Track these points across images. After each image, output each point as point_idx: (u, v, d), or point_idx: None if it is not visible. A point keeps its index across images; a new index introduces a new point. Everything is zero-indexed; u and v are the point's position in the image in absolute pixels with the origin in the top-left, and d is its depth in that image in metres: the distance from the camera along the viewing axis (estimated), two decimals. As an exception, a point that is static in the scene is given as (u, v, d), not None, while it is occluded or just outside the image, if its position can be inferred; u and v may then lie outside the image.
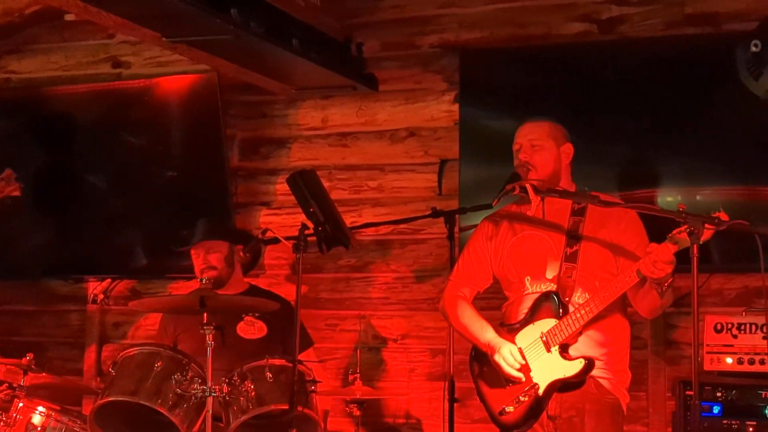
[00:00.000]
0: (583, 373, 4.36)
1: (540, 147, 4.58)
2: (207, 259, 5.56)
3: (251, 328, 5.49)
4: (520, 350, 4.43)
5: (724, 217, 4.02)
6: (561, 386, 4.38)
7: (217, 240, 5.61)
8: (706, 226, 3.99)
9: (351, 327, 6.13)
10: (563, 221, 4.56)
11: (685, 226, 3.99)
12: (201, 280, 4.97)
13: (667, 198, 5.61)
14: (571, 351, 4.40)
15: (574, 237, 4.50)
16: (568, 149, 4.64)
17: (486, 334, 4.55)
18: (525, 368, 4.41)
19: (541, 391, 4.39)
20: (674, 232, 4.06)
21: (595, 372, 4.39)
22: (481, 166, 5.91)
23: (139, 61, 6.77)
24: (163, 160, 6.54)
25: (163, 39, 5.25)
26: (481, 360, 4.61)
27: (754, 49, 3.18)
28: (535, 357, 4.42)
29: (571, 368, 4.36)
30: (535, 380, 4.41)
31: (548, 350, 4.41)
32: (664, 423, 5.50)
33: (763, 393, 4.77)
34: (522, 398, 4.42)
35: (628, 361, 4.59)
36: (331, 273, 6.29)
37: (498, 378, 4.51)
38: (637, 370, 5.57)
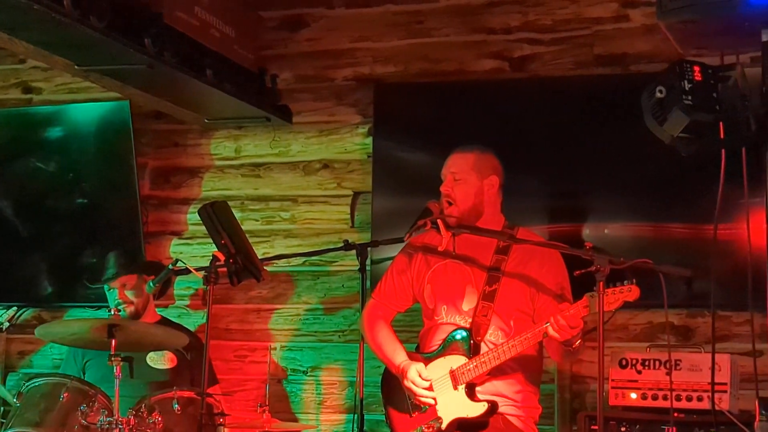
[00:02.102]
0: (485, 416, 4.42)
1: (462, 180, 4.62)
2: (123, 294, 5.53)
3: (161, 359, 5.46)
4: (431, 384, 4.48)
5: (635, 291, 4.12)
6: (463, 425, 4.43)
7: (132, 274, 5.58)
8: (617, 290, 4.11)
9: (261, 358, 6.10)
10: (486, 258, 4.61)
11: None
12: (111, 311, 4.93)
13: (576, 232, 5.68)
14: (480, 389, 4.45)
15: (495, 275, 4.57)
16: (493, 181, 4.68)
17: (398, 357, 4.61)
18: (432, 389, 4.46)
19: (443, 426, 4.45)
20: (586, 295, 4.17)
21: (504, 409, 4.46)
22: (394, 199, 5.95)
23: (51, 87, 6.69)
24: (73, 187, 6.47)
25: (76, 67, 5.21)
26: (391, 384, 4.66)
27: (658, 95, 3.24)
28: (442, 391, 4.47)
29: (474, 409, 4.43)
30: (439, 413, 4.46)
31: (455, 387, 4.46)
32: (570, 456, 5.57)
33: (667, 428, 4.82)
34: (425, 429, 4.46)
35: (539, 396, 4.66)
36: (242, 304, 6.26)
37: (405, 405, 4.58)
38: (544, 403, 5.61)
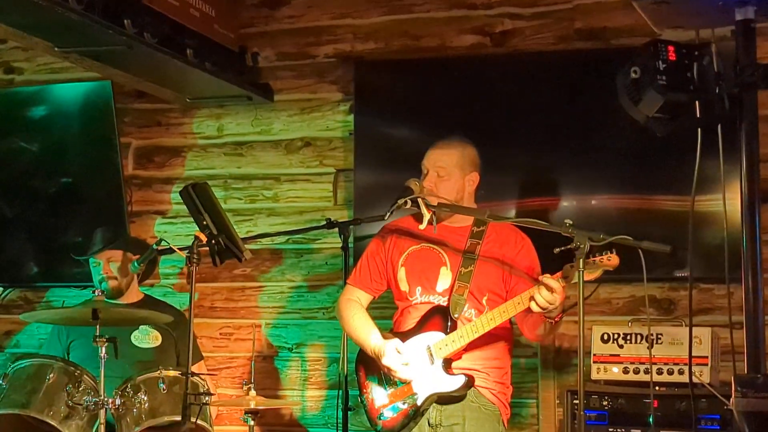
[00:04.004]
0: (462, 389, 4.46)
1: (445, 177, 4.65)
2: (108, 268, 5.54)
3: (146, 338, 5.48)
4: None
5: (615, 259, 4.15)
6: (440, 399, 4.47)
7: (118, 249, 5.59)
8: (597, 260, 4.14)
9: (246, 336, 6.12)
10: (461, 243, 4.66)
11: (575, 264, 4.13)
12: (95, 292, 4.94)
13: (563, 204, 5.73)
14: (454, 365, 4.49)
15: (469, 258, 4.61)
16: (474, 178, 4.71)
17: (372, 338, 4.61)
18: (410, 369, 4.49)
19: (419, 402, 4.48)
20: (566, 266, 4.20)
21: (478, 383, 4.51)
22: (375, 176, 5.97)
23: (32, 67, 6.67)
24: (57, 166, 6.47)
25: (56, 49, 5.20)
26: (366, 363, 4.68)
27: (633, 75, 3.25)
28: (418, 368, 4.50)
29: (451, 383, 4.46)
30: (415, 390, 4.49)
31: (432, 362, 4.49)
32: (554, 430, 5.60)
33: (648, 401, 4.88)
34: (401, 406, 4.51)
35: (510, 377, 4.70)
36: (226, 282, 6.28)
37: (380, 381, 4.61)
38: (527, 377, 5.71)
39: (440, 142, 4.76)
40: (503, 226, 4.69)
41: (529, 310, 4.37)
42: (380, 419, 4.58)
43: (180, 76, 5.73)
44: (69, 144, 6.47)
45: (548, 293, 4.21)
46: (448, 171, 4.66)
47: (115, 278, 5.53)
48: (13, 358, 5.14)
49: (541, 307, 4.26)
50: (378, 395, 4.61)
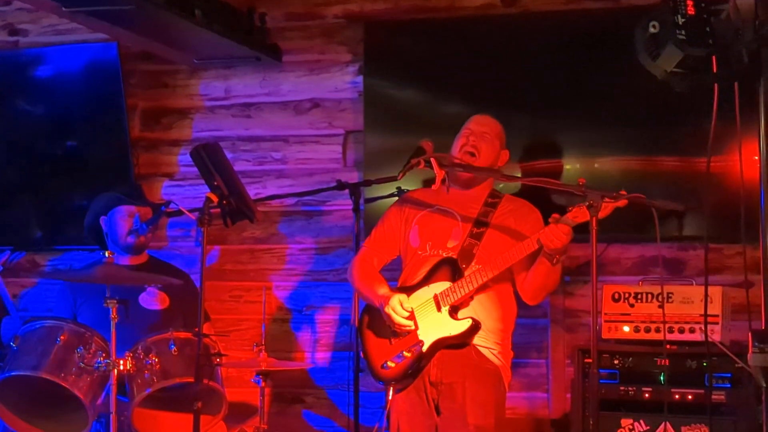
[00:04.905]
0: (468, 333, 4.52)
1: (489, 140, 4.80)
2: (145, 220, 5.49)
3: (154, 299, 5.47)
4: (412, 312, 4.55)
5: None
6: (445, 345, 4.53)
7: (149, 208, 5.58)
8: (606, 200, 4.15)
9: (255, 298, 6.11)
10: (474, 211, 4.75)
11: (576, 208, 4.16)
12: (106, 254, 4.92)
13: (567, 167, 5.71)
14: (460, 314, 4.54)
15: (482, 223, 4.71)
16: (505, 155, 4.89)
17: (381, 289, 4.70)
18: (412, 317, 4.54)
19: (424, 348, 4.54)
20: (568, 215, 4.23)
21: (479, 342, 4.56)
22: (385, 138, 5.96)
23: (37, 29, 6.61)
24: (62, 129, 6.45)
25: (63, 8, 5.17)
26: (371, 314, 4.75)
27: (652, 30, 3.23)
28: (424, 316, 4.57)
29: (457, 327, 4.53)
30: (420, 337, 4.54)
31: (438, 310, 4.56)
32: (564, 389, 5.62)
33: (659, 360, 4.88)
34: (405, 354, 4.55)
35: (511, 343, 4.75)
36: (236, 245, 6.27)
37: (384, 333, 4.66)
38: (538, 337, 5.73)
39: (484, 113, 4.92)
40: (516, 201, 4.83)
41: (531, 258, 4.47)
42: (383, 368, 4.63)
43: (187, 36, 5.70)
44: (74, 106, 6.44)
45: (556, 231, 4.31)
46: (492, 137, 4.82)
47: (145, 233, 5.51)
48: (23, 321, 5.13)
49: (547, 246, 4.35)
50: (382, 344, 4.66)
